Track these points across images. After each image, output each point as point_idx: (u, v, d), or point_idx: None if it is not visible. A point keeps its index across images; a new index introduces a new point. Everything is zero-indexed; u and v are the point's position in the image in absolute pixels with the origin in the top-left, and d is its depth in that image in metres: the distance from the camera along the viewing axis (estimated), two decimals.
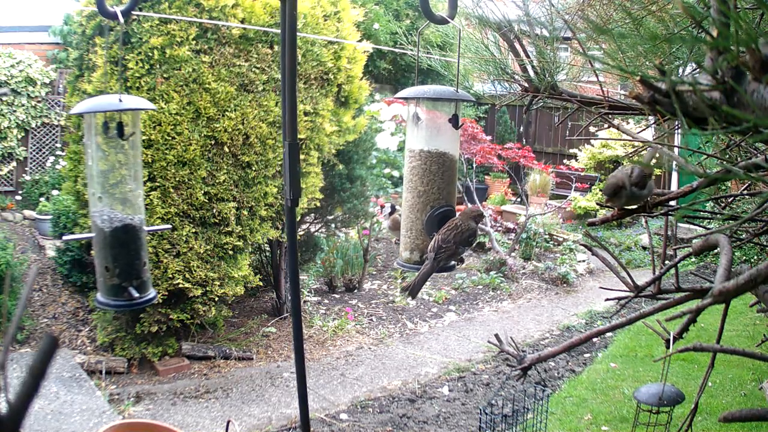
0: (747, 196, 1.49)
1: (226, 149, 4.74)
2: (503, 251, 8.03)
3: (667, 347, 1.36)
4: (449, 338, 6.06)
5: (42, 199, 8.33)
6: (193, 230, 4.70)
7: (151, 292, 1.69)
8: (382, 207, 1.92)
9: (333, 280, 7.15)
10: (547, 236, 9.00)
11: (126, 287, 1.62)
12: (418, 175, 1.63)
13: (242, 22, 4.67)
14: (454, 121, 1.58)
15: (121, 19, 1.57)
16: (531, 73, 1.51)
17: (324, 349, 5.66)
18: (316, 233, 6.77)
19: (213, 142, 4.69)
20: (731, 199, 1.47)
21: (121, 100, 1.55)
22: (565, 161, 11.84)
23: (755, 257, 6.30)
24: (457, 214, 1.64)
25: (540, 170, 10.20)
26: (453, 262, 1.63)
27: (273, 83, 4.87)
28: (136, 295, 1.62)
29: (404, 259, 1.68)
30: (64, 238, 1.78)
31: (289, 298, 5.67)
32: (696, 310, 0.94)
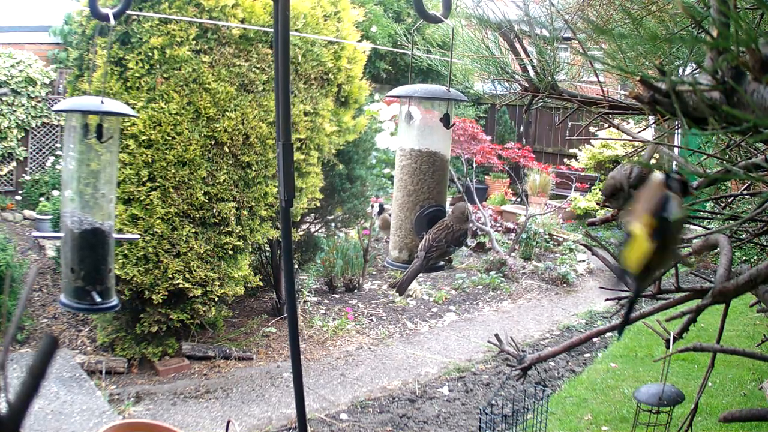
0: (747, 196, 1.49)
1: (226, 149, 4.74)
2: (503, 251, 8.03)
3: (667, 347, 1.36)
4: (449, 338, 6.06)
5: (42, 199, 8.33)
6: (193, 230, 4.69)
7: (114, 300, 1.68)
8: (372, 206, 1.92)
9: (333, 280, 7.15)
10: (547, 236, 9.00)
11: (89, 291, 1.61)
12: (408, 174, 1.62)
13: (242, 22, 4.67)
14: (445, 120, 1.58)
15: (112, 21, 1.56)
16: (531, 72, 1.51)
17: (324, 349, 5.66)
18: (316, 233, 6.77)
19: (213, 142, 4.69)
20: (731, 199, 1.47)
21: (103, 102, 1.54)
22: (565, 161, 11.84)
23: (755, 257, 6.30)
24: (447, 212, 1.65)
25: (540, 170, 10.20)
26: (442, 262, 1.63)
27: (273, 83, 4.87)
28: (99, 300, 1.61)
29: (393, 258, 1.68)
30: (34, 234, 1.78)
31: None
32: (696, 310, 0.94)
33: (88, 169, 1.63)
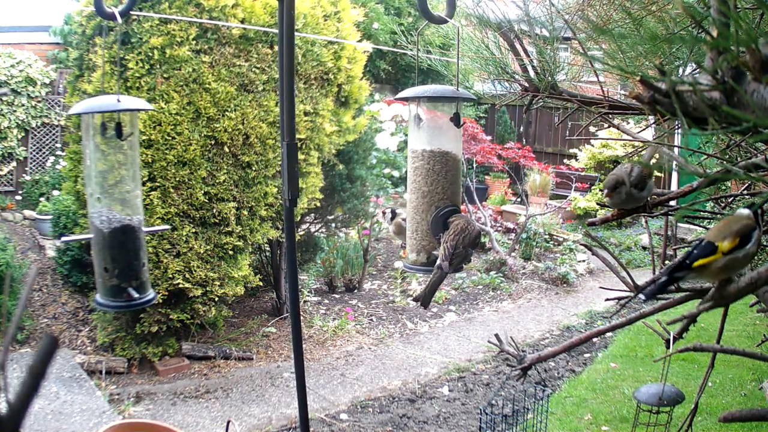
0: (747, 196, 1.49)
1: (226, 149, 4.74)
2: (503, 251, 8.03)
3: (667, 347, 1.36)
4: (449, 338, 6.05)
5: (42, 199, 8.33)
6: (193, 230, 4.69)
7: (151, 293, 1.68)
8: (384, 213, 1.90)
9: (333, 280, 7.15)
10: (547, 236, 9.00)
11: (125, 288, 1.62)
12: (421, 176, 1.61)
13: (242, 22, 4.67)
14: (456, 119, 1.58)
15: (119, 20, 1.57)
16: (531, 72, 1.51)
17: (324, 349, 5.66)
18: (316, 233, 6.77)
19: (213, 142, 4.69)
20: (731, 199, 1.47)
21: (119, 101, 1.54)
22: (565, 161, 11.83)
23: (756, 258, 6.30)
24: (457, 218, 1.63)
25: (540, 170, 10.19)
26: (462, 265, 1.62)
27: (273, 83, 4.87)
28: (136, 295, 1.62)
29: (411, 261, 1.66)
30: (63, 239, 1.78)
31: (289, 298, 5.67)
32: (697, 313, 0.94)
33: (110, 168, 1.64)
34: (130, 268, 1.64)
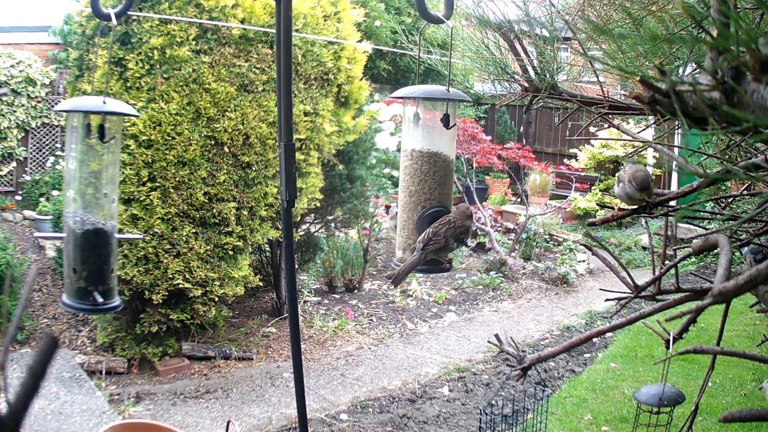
0: (747, 196, 1.49)
1: (226, 149, 4.74)
2: (503, 251, 8.03)
3: (667, 348, 1.36)
4: (449, 338, 6.05)
5: (42, 199, 8.33)
6: (193, 230, 4.69)
7: (116, 300, 1.67)
8: (388, 208, 1.92)
9: (333, 280, 7.15)
10: (547, 236, 9.00)
11: (91, 291, 1.61)
12: (409, 175, 1.63)
13: (242, 22, 4.67)
14: (445, 120, 1.58)
15: (114, 21, 1.56)
16: (531, 73, 1.51)
17: (324, 350, 5.66)
18: (316, 233, 6.77)
19: (213, 142, 4.69)
20: (731, 199, 1.47)
21: (105, 103, 1.54)
22: (565, 161, 11.83)
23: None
24: (453, 210, 1.65)
25: (540, 170, 10.19)
26: (446, 264, 1.63)
27: (273, 83, 4.87)
28: (101, 300, 1.61)
29: (398, 258, 1.69)
30: (36, 235, 1.78)
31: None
32: (696, 310, 0.94)
33: (90, 170, 1.63)
34: (98, 272, 1.63)
